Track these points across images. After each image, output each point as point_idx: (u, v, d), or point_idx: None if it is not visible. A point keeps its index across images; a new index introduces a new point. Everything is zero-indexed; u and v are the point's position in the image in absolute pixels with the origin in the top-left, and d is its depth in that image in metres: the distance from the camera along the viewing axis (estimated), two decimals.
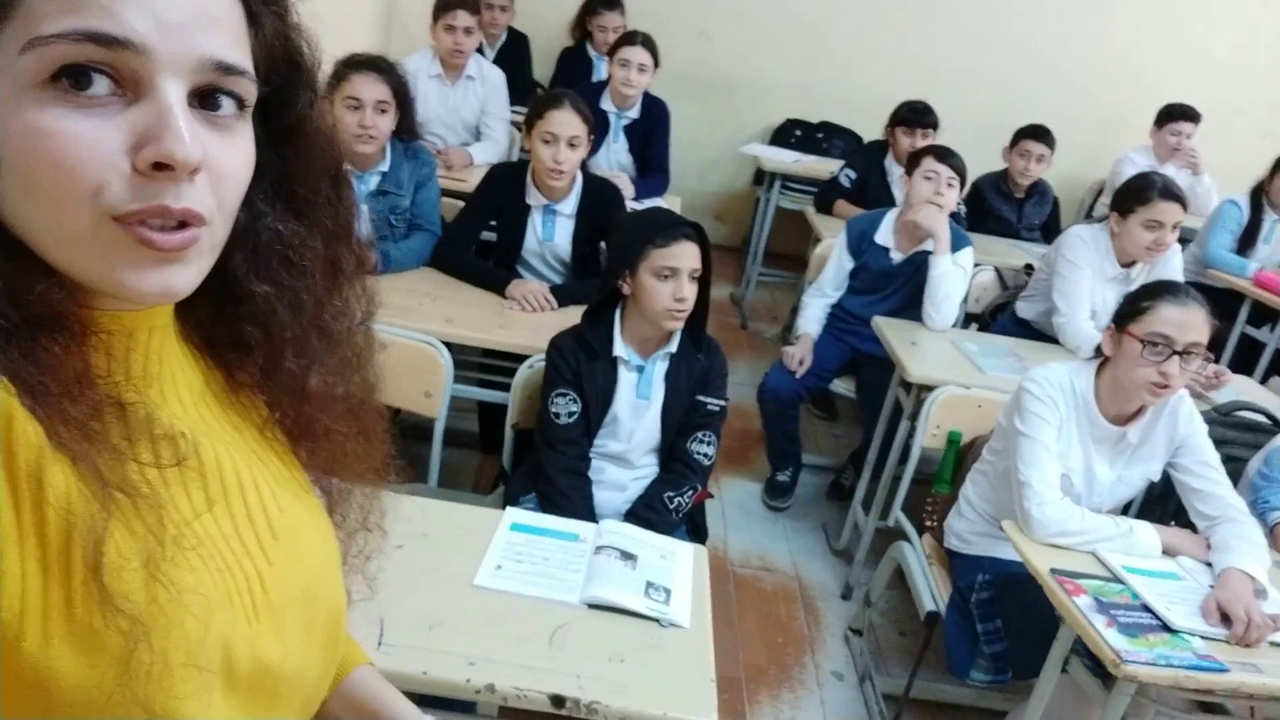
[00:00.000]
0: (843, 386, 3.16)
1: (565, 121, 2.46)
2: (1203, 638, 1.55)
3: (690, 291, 1.86)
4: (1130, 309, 1.89)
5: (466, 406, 3.03)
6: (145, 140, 0.49)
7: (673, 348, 1.94)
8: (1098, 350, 1.99)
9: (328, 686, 0.76)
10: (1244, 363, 3.75)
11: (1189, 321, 1.81)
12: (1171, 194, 2.78)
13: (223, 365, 0.67)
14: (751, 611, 2.63)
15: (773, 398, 3.07)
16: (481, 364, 2.77)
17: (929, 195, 2.85)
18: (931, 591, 2.14)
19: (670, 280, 1.84)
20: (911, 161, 2.99)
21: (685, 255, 1.85)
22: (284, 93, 0.62)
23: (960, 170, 2.87)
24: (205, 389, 0.65)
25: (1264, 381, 3.61)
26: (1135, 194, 2.82)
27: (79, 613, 0.49)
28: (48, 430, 0.49)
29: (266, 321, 0.65)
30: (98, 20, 0.48)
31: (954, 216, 3.04)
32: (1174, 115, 4.45)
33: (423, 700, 0.96)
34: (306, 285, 0.66)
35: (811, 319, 3.12)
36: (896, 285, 3.03)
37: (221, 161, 0.54)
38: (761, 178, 4.79)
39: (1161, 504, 2.26)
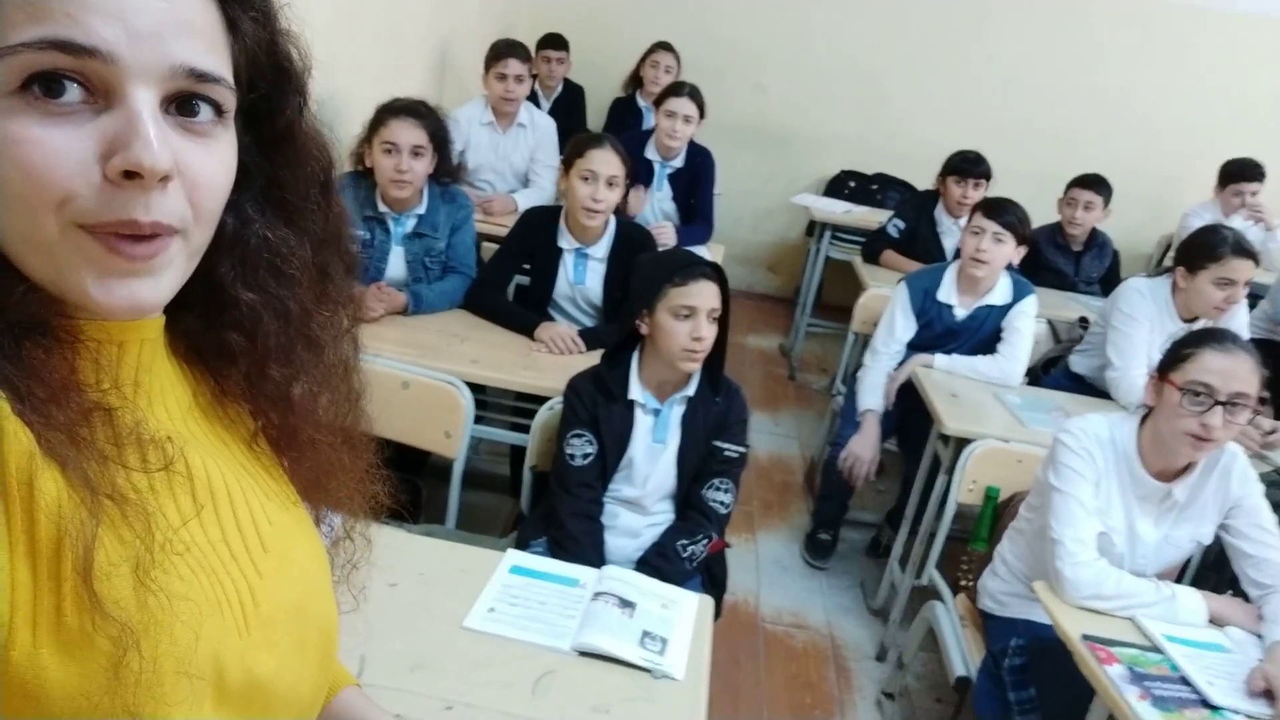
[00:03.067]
0: (890, 442, 3.05)
1: (605, 160, 2.47)
2: (1245, 715, 1.42)
3: (708, 332, 1.82)
4: (1172, 356, 1.79)
5: (502, 451, 3.02)
6: (115, 148, 0.49)
7: (690, 391, 1.90)
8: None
9: (320, 706, 0.74)
10: None
11: (1234, 370, 1.71)
12: (1244, 250, 2.66)
13: (210, 374, 0.67)
14: (780, 670, 2.53)
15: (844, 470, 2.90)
16: (514, 408, 2.77)
17: (971, 252, 2.78)
18: (963, 655, 2.03)
19: (688, 320, 1.81)
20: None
21: (703, 295, 1.82)
22: (272, 99, 0.62)
23: (1012, 226, 2.76)
24: (193, 404, 0.65)
25: None
26: (1206, 249, 2.70)
27: (69, 620, 0.48)
28: (37, 436, 0.49)
29: (252, 329, 0.64)
30: (64, 29, 0.48)
31: (1008, 266, 2.96)
32: (1237, 175, 4.29)
33: None
34: (293, 293, 0.66)
35: (875, 391, 2.88)
36: (959, 341, 2.92)
37: (197, 169, 0.53)
38: (814, 229, 4.75)
39: (1218, 571, 2.12)
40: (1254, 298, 3.92)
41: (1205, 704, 1.44)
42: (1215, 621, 1.68)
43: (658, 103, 3.70)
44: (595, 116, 4.89)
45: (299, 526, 0.69)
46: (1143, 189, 4.92)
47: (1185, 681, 1.49)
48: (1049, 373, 3.23)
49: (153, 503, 0.55)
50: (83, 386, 0.54)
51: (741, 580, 2.87)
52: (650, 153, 3.69)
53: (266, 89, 0.61)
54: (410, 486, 2.85)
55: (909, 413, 2.87)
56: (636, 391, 1.90)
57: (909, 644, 2.35)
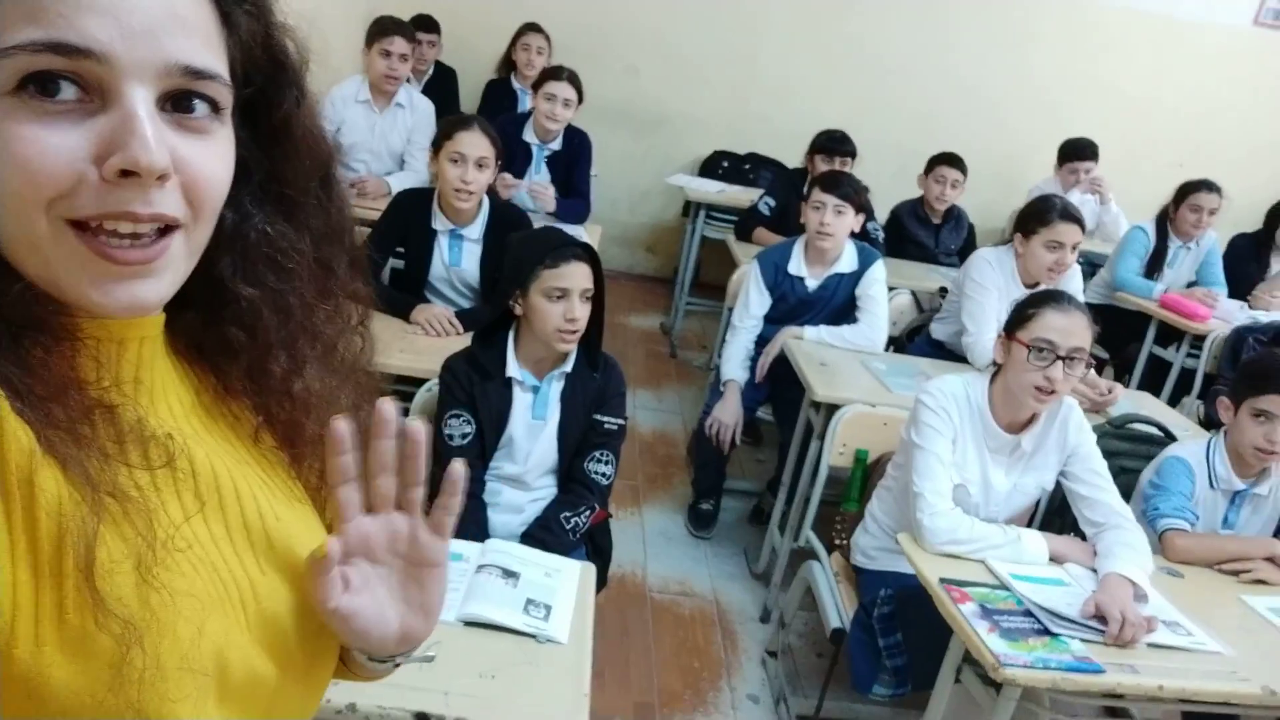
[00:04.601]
0: (766, 412, 3.17)
1: (473, 142, 2.47)
2: (1081, 640, 1.57)
3: (582, 312, 1.86)
4: (1018, 316, 1.95)
5: None
6: (111, 148, 0.49)
7: (568, 367, 1.94)
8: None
9: (319, 700, 0.73)
10: (1154, 383, 3.85)
11: (1071, 328, 1.87)
12: (1070, 215, 2.86)
13: (213, 371, 0.66)
14: (668, 637, 2.61)
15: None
16: (394, 391, 2.74)
17: (815, 226, 2.92)
18: (838, 609, 2.14)
19: (561, 301, 1.84)
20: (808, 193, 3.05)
21: (576, 276, 1.85)
22: (269, 93, 0.61)
23: (849, 196, 2.92)
24: (196, 401, 0.64)
25: (1174, 402, 3.70)
26: (1036, 216, 2.91)
27: (71, 618, 0.48)
28: (37, 434, 0.49)
29: (253, 325, 0.64)
30: (58, 30, 0.47)
31: (865, 237, 3.10)
32: (1073, 154, 4.61)
33: None
34: (294, 288, 0.65)
35: (736, 362, 3.03)
36: (815, 311, 3.06)
37: (195, 165, 0.53)
38: (689, 209, 4.84)
39: (1061, 515, 2.30)
40: (1095, 266, 4.23)
41: (1046, 632, 1.58)
42: (1056, 559, 1.84)
43: (536, 86, 3.69)
44: (469, 99, 4.84)
45: (303, 523, 0.68)
46: (993, 166, 5.21)
47: (1029, 614, 1.63)
48: (913, 340, 3.41)
49: (154, 500, 0.54)
50: (83, 384, 0.53)
51: (629, 552, 2.93)
52: (529, 135, 3.69)
53: (263, 83, 0.61)
54: None
55: (781, 382, 2.99)
56: (514, 369, 1.92)
57: (789, 604, 2.46)
